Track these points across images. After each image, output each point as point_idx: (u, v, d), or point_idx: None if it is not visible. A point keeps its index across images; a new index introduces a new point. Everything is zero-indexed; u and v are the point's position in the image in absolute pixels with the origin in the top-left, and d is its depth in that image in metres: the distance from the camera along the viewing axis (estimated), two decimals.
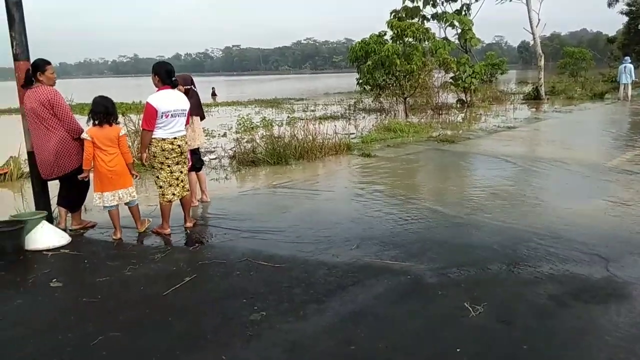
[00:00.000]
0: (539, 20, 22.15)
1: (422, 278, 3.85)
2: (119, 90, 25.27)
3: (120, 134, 4.95)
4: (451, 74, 19.38)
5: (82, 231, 5.22)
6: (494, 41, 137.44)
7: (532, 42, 23.31)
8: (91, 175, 5.09)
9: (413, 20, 20.04)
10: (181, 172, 5.10)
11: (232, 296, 3.62)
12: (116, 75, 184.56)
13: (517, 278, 3.84)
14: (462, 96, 20.17)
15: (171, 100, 4.87)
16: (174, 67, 5.09)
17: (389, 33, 18.15)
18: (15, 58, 4.97)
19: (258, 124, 13.87)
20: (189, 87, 5.70)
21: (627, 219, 5.22)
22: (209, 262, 4.27)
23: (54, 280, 3.98)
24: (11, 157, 8.36)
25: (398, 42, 17.62)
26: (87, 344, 3.01)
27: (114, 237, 4.96)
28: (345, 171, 8.41)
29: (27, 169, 7.55)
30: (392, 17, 20.55)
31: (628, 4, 32.39)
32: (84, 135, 4.82)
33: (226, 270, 4.10)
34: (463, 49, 20.57)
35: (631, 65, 20.73)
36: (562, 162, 8.35)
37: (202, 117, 6.16)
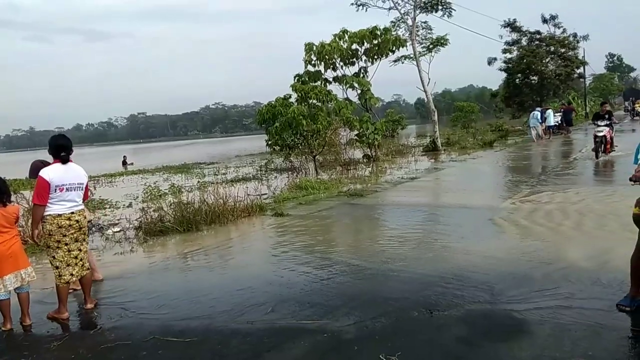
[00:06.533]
0: (429, 79, 24.26)
1: (339, 335, 3.83)
2: (11, 166, 23.47)
3: (21, 214, 4.60)
4: (356, 132, 20.33)
5: None
6: (393, 99, 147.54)
7: (426, 99, 25.32)
8: None
9: (316, 84, 20.99)
10: (80, 249, 4.77)
11: None
12: (10, 150, 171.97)
13: (429, 324, 3.95)
14: (368, 151, 21.14)
15: (65, 173, 4.63)
16: (72, 139, 4.90)
17: (294, 96, 18.85)
18: None
19: (166, 191, 13.47)
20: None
21: (520, 256, 5.61)
22: (112, 345, 3.94)
23: None
24: None
25: (303, 104, 18.31)
26: None
27: (4, 329, 4.46)
28: (259, 233, 8.34)
29: None
30: (296, 80, 21.40)
31: (505, 62, 36.47)
32: None
33: (131, 352, 3.80)
34: (364, 107, 21.75)
35: (537, 112, 24.99)
36: (462, 207, 8.94)
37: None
